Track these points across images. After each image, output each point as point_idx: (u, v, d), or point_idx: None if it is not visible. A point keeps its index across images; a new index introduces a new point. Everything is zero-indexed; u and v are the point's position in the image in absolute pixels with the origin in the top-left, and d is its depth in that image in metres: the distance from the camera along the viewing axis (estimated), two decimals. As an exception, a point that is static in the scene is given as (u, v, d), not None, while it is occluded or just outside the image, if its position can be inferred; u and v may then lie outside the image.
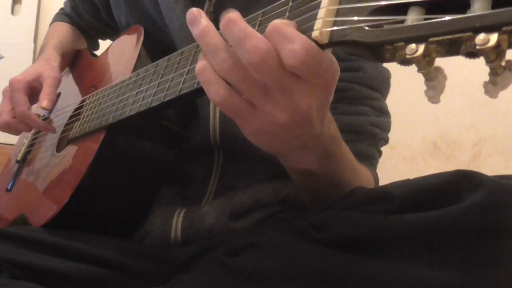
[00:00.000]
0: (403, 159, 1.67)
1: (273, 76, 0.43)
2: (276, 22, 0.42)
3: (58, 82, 0.86)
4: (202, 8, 0.73)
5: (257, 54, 0.42)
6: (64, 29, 1.04)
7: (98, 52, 1.08)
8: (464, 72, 1.39)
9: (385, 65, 0.79)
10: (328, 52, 0.43)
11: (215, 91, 0.46)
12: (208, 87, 0.47)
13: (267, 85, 0.44)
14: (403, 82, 1.40)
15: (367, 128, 0.73)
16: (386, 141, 0.78)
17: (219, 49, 0.45)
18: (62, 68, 0.95)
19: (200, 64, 0.47)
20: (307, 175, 0.57)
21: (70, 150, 0.79)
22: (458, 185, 0.46)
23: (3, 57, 1.77)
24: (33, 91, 0.86)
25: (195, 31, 0.47)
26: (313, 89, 0.45)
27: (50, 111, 0.90)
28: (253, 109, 0.46)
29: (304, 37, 0.41)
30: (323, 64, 0.43)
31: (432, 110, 1.65)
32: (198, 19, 0.46)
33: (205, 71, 0.46)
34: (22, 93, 0.84)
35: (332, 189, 0.60)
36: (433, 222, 0.44)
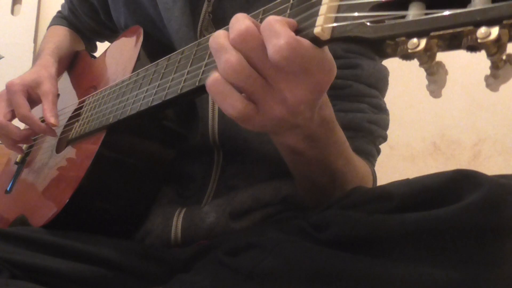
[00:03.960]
0: (403, 159, 1.67)
1: (257, 53, 0.44)
2: (270, 17, 0.43)
3: (56, 96, 0.86)
4: (200, 8, 0.73)
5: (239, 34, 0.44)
6: (61, 33, 1.03)
7: (96, 54, 1.08)
8: (464, 72, 1.39)
9: (385, 64, 0.79)
10: (320, 50, 0.44)
11: (231, 105, 0.46)
12: (223, 100, 0.46)
13: (265, 79, 0.45)
14: (403, 82, 1.40)
15: (364, 125, 0.73)
16: (384, 138, 0.78)
17: (222, 49, 0.45)
18: (59, 74, 0.94)
19: (211, 78, 0.47)
20: (296, 154, 0.57)
21: (70, 151, 0.79)
22: (458, 184, 0.47)
23: (3, 57, 1.77)
24: (29, 97, 0.86)
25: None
26: (302, 84, 0.45)
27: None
28: (256, 109, 0.47)
29: (290, 34, 0.42)
30: (312, 62, 0.43)
31: (432, 110, 1.65)
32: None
33: (217, 83, 0.46)
34: (21, 96, 0.83)
35: (325, 175, 0.60)
36: (433, 221, 0.45)
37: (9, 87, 0.84)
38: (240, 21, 0.45)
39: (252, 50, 0.44)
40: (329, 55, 0.46)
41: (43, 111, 0.82)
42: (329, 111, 0.55)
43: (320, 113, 0.52)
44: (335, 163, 0.60)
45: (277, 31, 0.42)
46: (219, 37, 0.46)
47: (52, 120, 0.79)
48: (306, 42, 0.42)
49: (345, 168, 0.61)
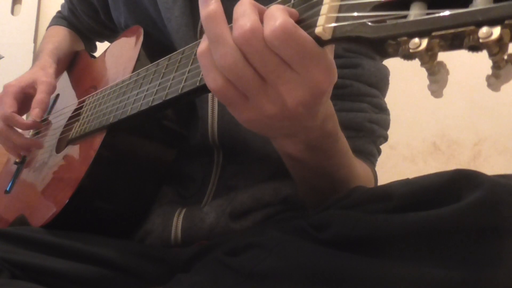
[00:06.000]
0: (403, 159, 1.67)
1: (259, 55, 0.42)
2: (272, 6, 0.43)
3: (53, 88, 0.86)
4: (201, 8, 0.73)
5: (241, 29, 0.42)
6: (60, 33, 1.03)
7: (96, 54, 1.08)
8: (465, 72, 1.39)
9: (385, 64, 0.79)
10: (320, 48, 0.43)
11: (213, 78, 0.46)
12: (207, 72, 0.46)
13: (261, 79, 0.44)
14: (404, 82, 1.40)
15: (365, 125, 0.73)
16: (385, 138, 0.78)
17: (220, 40, 0.44)
18: (58, 74, 0.94)
19: (204, 46, 0.46)
20: (296, 161, 0.57)
21: (70, 151, 0.79)
22: (458, 184, 0.46)
23: (3, 57, 1.77)
24: (26, 97, 0.86)
25: (202, 12, 0.45)
26: (301, 85, 0.44)
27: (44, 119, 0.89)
28: (245, 100, 0.46)
29: (288, 18, 0.41)
30: (309, 54, 0.42)
31: (432, 110, 1.65)
32: (208, 1, 0.45)
33: (206, 56, 0.46)
34: (11, 97, 0.84)
35: (326, 182, 0.60)
36: (433, 221, 0.45)
37: (4, 88, 0.86)
38: (246, 17, 0.42)
39: (255, 52, 0.42)
40: (329, 56, 0.45)
41: (33, 101, 0.83)
42: (333, 125, 0.55)
43: (323, 127, 0.52)
44: (337, 173, 0.60)
45: (274, 15, 0.42)
46: (218, 24, 0.44)
47: (33, 112, 0.80)
48: (304, 33, 0.42)
49: (347, 175, 0.61)
